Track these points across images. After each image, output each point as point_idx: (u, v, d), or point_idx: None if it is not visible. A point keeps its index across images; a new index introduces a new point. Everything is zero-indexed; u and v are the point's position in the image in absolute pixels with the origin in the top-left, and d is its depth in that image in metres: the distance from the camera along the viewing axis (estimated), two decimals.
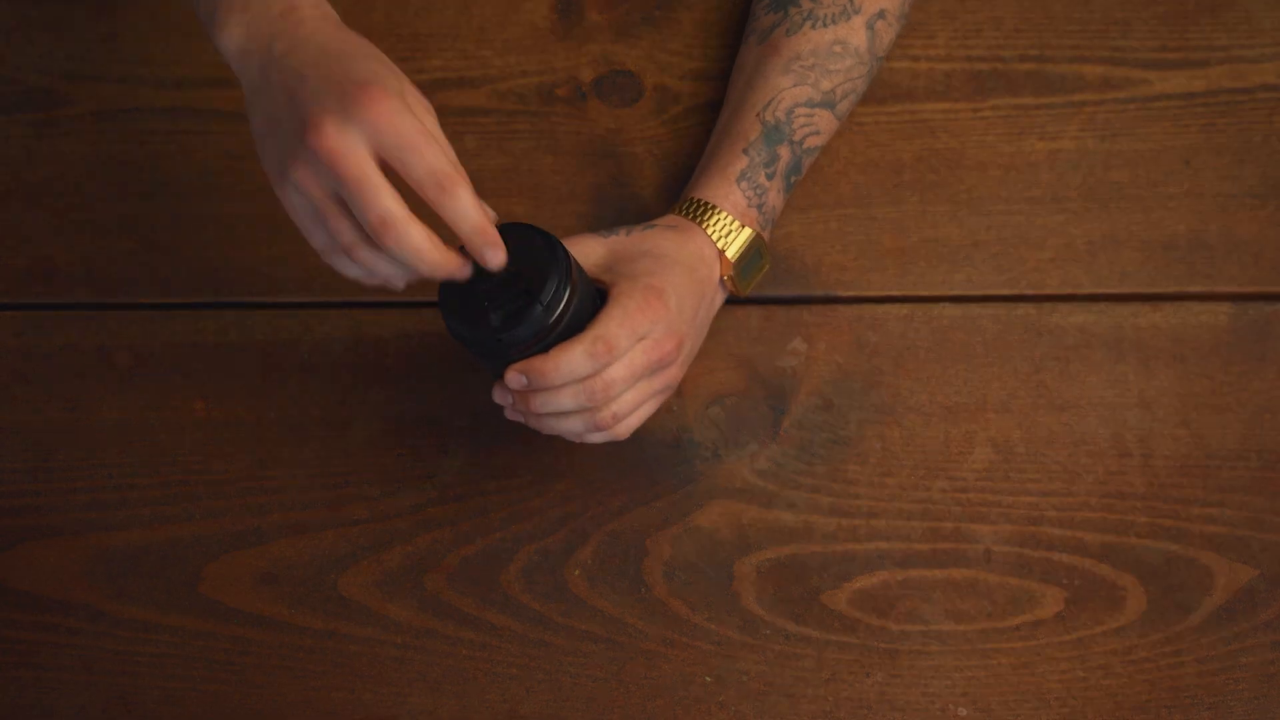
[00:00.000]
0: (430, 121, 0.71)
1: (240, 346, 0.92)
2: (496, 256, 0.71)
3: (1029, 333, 0.92)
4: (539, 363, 0.76)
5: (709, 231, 0.84)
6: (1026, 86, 0.96)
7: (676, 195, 0.94)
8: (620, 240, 0.82)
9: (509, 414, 0.81)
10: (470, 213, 0.69)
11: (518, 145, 0.96)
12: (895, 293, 0.93)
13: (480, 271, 0.74)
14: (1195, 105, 0.95)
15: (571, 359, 0.76)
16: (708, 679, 0.87)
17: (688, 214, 0.84)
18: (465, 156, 0.95)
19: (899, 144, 0.95)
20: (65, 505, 0.90)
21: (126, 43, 0.98)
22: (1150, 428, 0.90)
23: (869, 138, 0.95)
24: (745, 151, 0.86)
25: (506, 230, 0.76)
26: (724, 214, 0.84)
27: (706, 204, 0.85)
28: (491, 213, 0.73)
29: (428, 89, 0.96)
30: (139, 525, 0.90)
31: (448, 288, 0.76)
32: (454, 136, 0.96)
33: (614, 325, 0.77)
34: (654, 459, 0.90)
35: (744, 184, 0.85)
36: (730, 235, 0.84)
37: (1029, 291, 0.93)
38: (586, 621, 0.88)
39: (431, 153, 0.68)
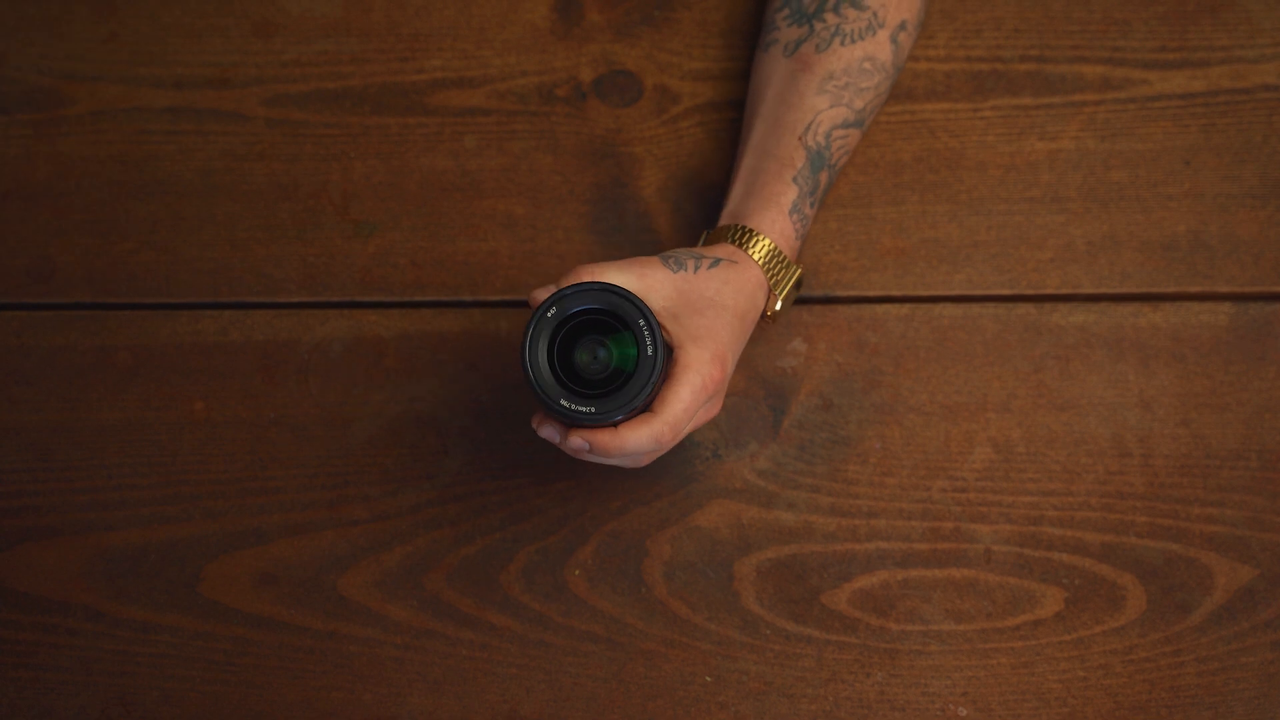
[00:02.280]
0: None
1: (240, 346, 0.92)
2: None
3: (1029, 333, 0.92)
4: (605, 439, 0.76)
5: (761, 264, 0.83)
6: (1026, 86, 0.96)
7: (676, 195, 0.95)
8: (687, 279, 0.80)
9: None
10: None
11: (517, 145, 0.96)
12: (895, 293, 0.93)
13: (572, 340, 0.76)
14: (1195, 105, 0.95)
15: (639, 442, 0.76)
16: (707, 679, 0.87)
17: (741, 243, 0.83)
18: (465, 156, 0.95)
19: (899, 144, 0.95)
20: (65, 505, 0.90)
21: (126, 43, 0.98)
22: (1150, 427, 0.90)
23: (869, 138, 0.95)
24: (794, 180, 0.85)
25: (607, 292, 0.76)
26: (775, 247, 0.84)
27: (759, 236, 0.84)
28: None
29: (427, 89, 0.97)
30: (139, 525, 0.90)
31: (537, 332, 0.76)
32: (454, 136, 0.96)
33: (681, 409, 0.77)
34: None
35: (794, 216, 0.85)
36: (781, 273, 0.84)
37: (1029, 291, 0.93)
38: (586, 621, 0.88)
39: None
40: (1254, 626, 0.87)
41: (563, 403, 0.75)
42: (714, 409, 0.81)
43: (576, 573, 0.89)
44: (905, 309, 0.93)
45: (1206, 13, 0.97)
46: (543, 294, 0.77)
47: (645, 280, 0.79)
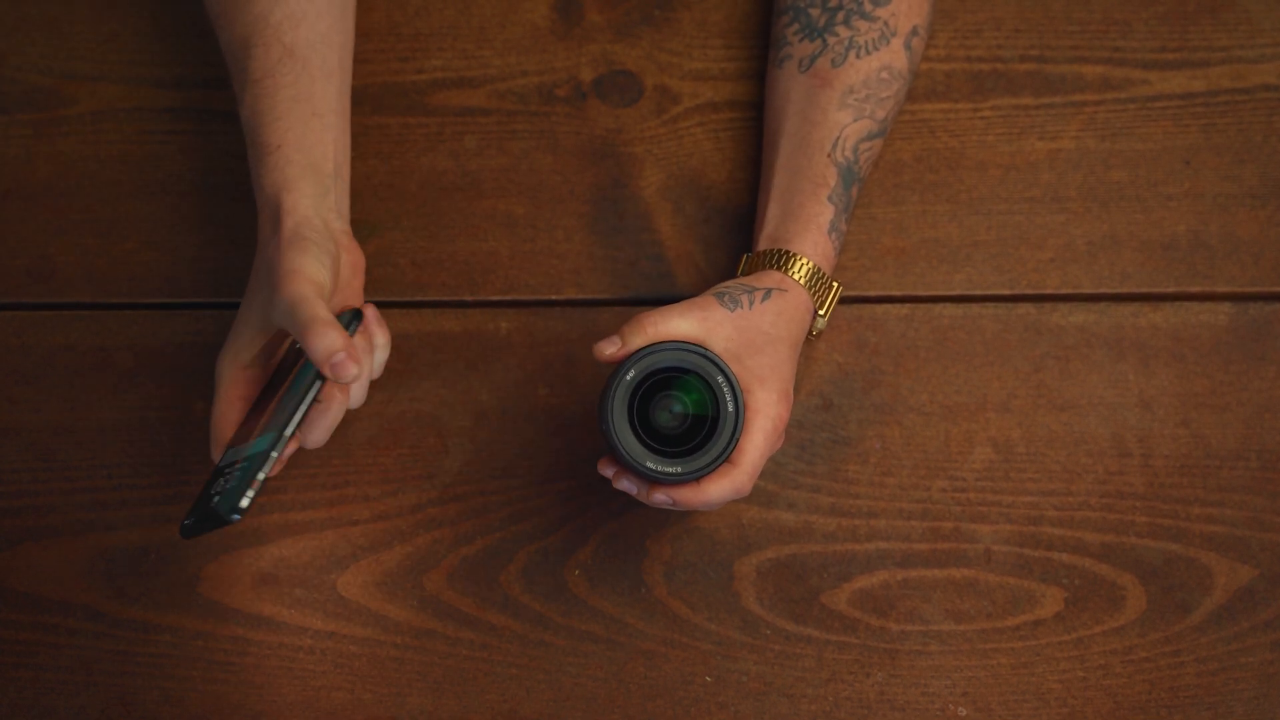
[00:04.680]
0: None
1: None
2: (348, 373, 0.74)
3: (1029, 333, 0.92)
4: (689, 495, 0.78)
5: (804, 285, 0.83)
6: (1026, 86, 0.96)
7: (676, 195, 0.94)
8: (744, 316, 0.80)
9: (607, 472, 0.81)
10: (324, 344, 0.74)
11: (517, 145, 0.96)
12: (895, 293, 0.93)
13: (659, 402, 0.78)
14: (1195, 105, 0.95)
15: (722, 493, 0.78)
16: (708, 679, 0.87)
17: (785, 268, 0.84)
18: (465, 156, 0.96)
19: (899, 144, 0.95)
20: (65, 505, 0.90)
21: (126, 43, 0.98)
22: (1150, 427, 0.90)
23: None
24: (830, 199, 0.85)
25: (683, 351, 0.77)
26: (816, 267, 0.84)
27: (800, 258, 0.84)
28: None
29: (427, 89, 0.97)
30: (139, 525, 0.90)
31: (619, 397, 0.77)
32: (454, 136, 0.96)
33: (757, 455, 0.78)
34: None
35: (833, 235, 0.85)
36: (824, 292, 0.85)
37: (1029, 291, 0.93)
38: (586, 621, 0.88)
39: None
40: (1254, 626, 0.87)
41: (649, 465, 0.77)
42: (780, 443, 0.81)
43: (576, 573, 0.89)
44: (905, 309, 0.93)
45: (1206, 13, 0.97)
46: (608, 347, 0.78)
47: (706, 324, 0.79)
